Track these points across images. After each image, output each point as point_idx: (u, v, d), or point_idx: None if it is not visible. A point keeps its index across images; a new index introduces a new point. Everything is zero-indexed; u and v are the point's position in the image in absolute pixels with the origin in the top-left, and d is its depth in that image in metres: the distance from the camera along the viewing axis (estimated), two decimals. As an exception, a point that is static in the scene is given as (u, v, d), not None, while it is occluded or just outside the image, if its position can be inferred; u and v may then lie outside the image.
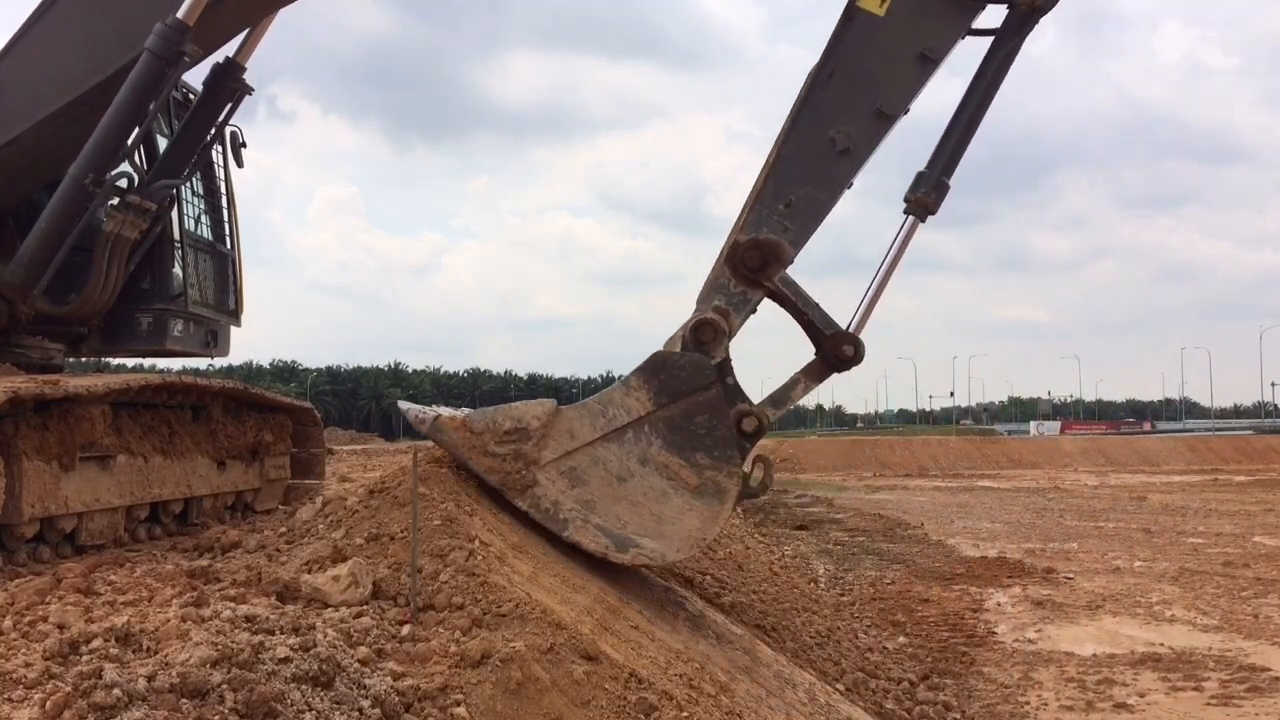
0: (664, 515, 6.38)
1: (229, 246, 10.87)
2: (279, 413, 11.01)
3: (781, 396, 6.87)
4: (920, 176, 7.14)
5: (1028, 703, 8.96)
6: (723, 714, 5.20)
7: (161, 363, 12.85)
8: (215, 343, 10.59)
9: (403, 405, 7.14)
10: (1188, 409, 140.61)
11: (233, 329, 10.95)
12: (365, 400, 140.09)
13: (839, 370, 6.92)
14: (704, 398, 6.45)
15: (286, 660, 3.69)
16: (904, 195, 7.17)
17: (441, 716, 3.96)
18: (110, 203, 8.46)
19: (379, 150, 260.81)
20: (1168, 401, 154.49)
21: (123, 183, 8.49)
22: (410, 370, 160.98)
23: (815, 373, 6.96)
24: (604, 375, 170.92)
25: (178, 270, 9.87)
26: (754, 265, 6.70)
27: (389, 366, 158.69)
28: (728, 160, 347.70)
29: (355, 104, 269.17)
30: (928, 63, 6.82)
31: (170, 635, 4.03)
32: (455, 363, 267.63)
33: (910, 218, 7.16)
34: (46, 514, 7.35)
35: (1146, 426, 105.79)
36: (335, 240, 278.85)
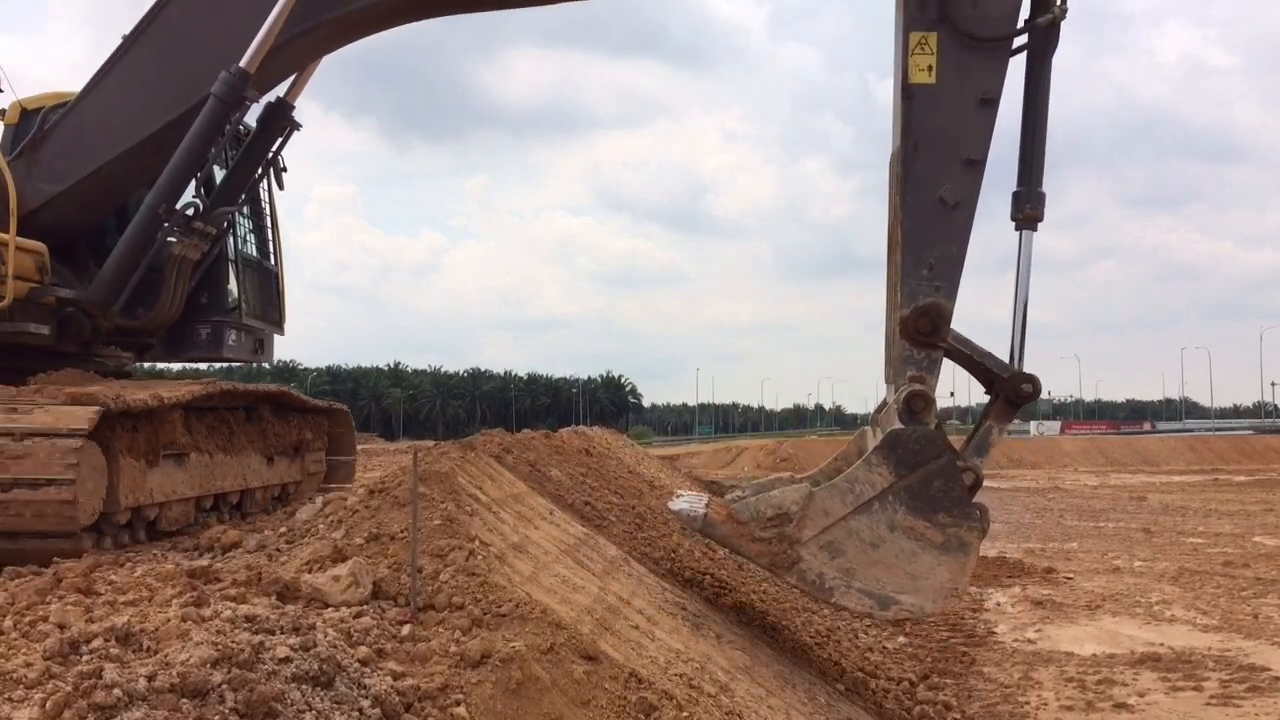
0: (916, 573, 7.15)
1: (274, 263, 12.01)
2: (317, 414, 12.35)
3: (982, 444, 7.59)
4: (1017, 195, 7.79)
5: (1028, 703, 8.96)
6: (723, 714, 5.20)
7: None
8: (262, 350, 11.77)
9: (673, 505, 8.23)
10: (1188, 409, 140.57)
11: (276, 336, 12.07)
12: (365, 400, 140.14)
13: (1020, 406, 7.65)
14: (937, 465, 7.18)
15: (286, 660, 3.69)
16: (1010, 216, 7.82)
17: (441, 716, 3.96)
18: (178, 228, 9.49)
19: (378, 149, 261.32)
20: (1168, 401, 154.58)
21: (189, 211, 9.52)
22: (410, 370, 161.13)
23: (1002, 414, 7.63)
24: (604, 375, 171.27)
25: (232, 286, 11.03)
26: (927, 330, 7.39)
27: (389, 366, 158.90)
28: (727, 159, 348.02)
29: (354, 102, 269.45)
30: (990, 104, 7.45)
31: (170, 635, 4.03)
32: (455, 363, 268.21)
33: (1024, 233, 7.81)
34: (136, 504, 8.44)
35: (1146, 426, 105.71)
36: (334, 240, 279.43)
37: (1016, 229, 7.81)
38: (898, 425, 7.28)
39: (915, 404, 7.28)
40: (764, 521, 7.16)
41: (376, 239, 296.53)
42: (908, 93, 7.45)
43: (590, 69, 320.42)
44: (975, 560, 7.38)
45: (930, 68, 7.41)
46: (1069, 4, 7.59)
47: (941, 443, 7.26)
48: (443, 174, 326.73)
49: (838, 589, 7.16)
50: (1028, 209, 7.72)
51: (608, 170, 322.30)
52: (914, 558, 7.14)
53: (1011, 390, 7.57)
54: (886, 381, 7.82)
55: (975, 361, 7.64)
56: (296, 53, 9.71)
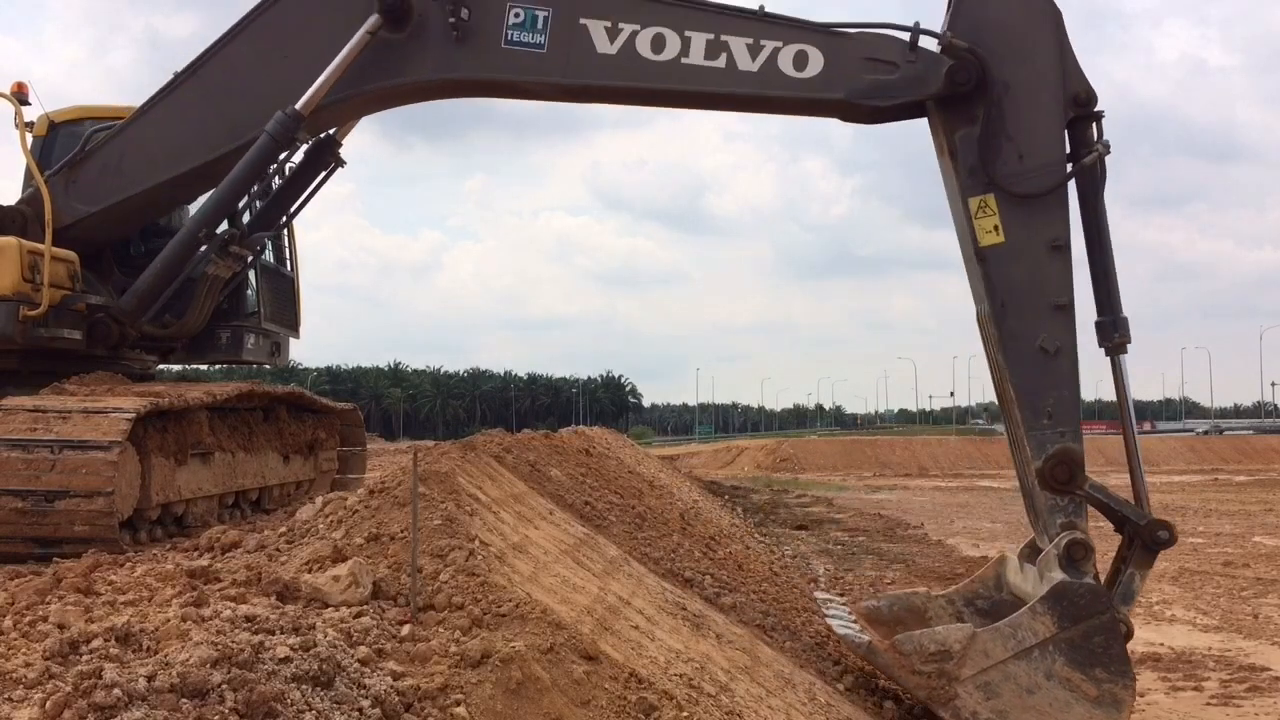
0: None
1: (290, 269, 12.45)
2: (329, 415, 12.96)
3: (1127, 592, 7.67)
4: (1100, 325, 7.81)
5: (1028, 703, 8.94)
6: (723, 714, 5.20)
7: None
8: (279, 353, 12.13)
9: (835, 627, 8.40)
10: (1188, 409, 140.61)
11: (291, 340, 12.48)
12: (365, 400, 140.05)
13: (1158, 552, 7.73)
14: (1100, 621, 7.34)
15: (286, 660, 3.69)
16: (1099, 345, 7.89)
17: (441, 716, 3.96)
18: (215, 251, 9.94)
19: (378, 149, 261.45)
20: (1168, 401, 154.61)
21: (227, 236, 9.97)
22: (410, 370, 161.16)
23: (1143, 561, 7.73)
24: (604, 375, 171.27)
25: (252, 293, 11.44)
26: (1064, 478, 7.59)
27: (389, 366, 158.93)
28: (726, 158, 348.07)
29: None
30: (1061, 249, 7.53)
31: (170, 635, 4.02)
32: (455, 362, 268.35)
33: (1117, 359, 7.94)
34: (166, 500, 9.01)
35: (1146, 426, 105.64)
36: (334, 239, 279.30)
37: (1107, 354, 7.92)
38: (1058, 574, 7.41)
39: (1076, 552, 7.44)
40: (926, 656, 7.35)
41: (376, 239, 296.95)
42: (980, 255, 7.58)
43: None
44: (1128, 718, 7.49)
45: (996, 227, 7.54)
46: (1107, 138, 7.60)
47: (1106, 598, 7.44)
48: (443, 174, 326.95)
49: None
50: (1116, 338, 7.82)
51: (607, 170, 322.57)
52: (1067, 708, 7.28)
53: (1149, 538, 7.67)
54: (1034, 529, 8.04)
55: (1113, 510, 7.79)
56: (340, 113, 10.14)
